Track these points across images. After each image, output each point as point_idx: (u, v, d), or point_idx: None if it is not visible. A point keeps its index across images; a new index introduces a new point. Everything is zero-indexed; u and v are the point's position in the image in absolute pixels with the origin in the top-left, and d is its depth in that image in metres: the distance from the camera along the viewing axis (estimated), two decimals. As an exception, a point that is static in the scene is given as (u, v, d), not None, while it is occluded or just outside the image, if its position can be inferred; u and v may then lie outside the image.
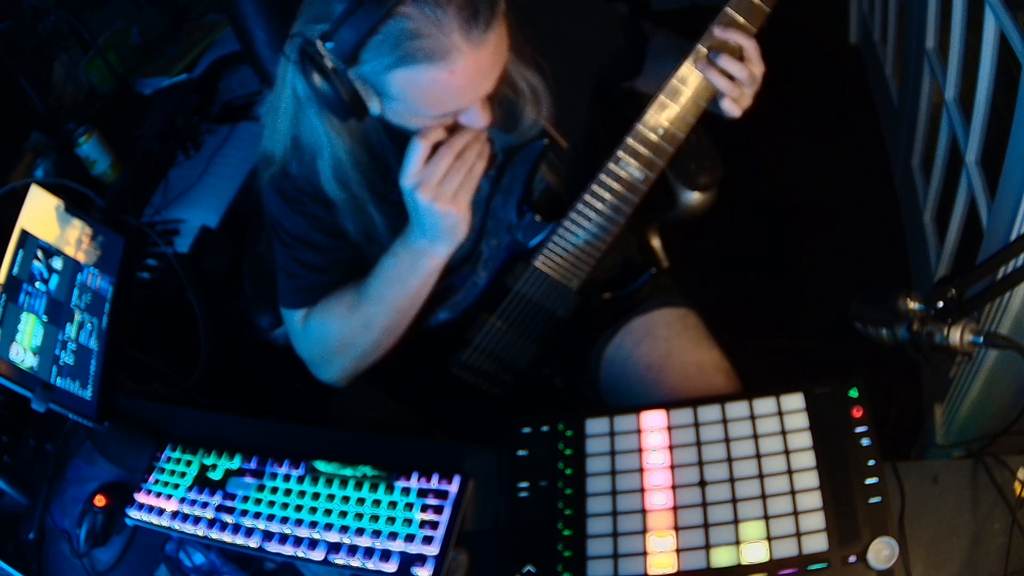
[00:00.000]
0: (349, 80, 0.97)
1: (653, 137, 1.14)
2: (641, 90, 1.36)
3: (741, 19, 1.07)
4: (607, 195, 1.18)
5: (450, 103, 1.00)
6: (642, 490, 1.02)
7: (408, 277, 1.18)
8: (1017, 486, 0.96)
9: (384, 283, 1.19)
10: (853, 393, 1.02)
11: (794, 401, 1.03)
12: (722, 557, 0.94)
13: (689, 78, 1.11)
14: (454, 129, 1.06)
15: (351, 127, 1.08)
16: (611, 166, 1.17)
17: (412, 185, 1.07)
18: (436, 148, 1.06)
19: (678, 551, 0.96)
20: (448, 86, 0.96)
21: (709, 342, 1.34)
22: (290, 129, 1.10)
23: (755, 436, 1.02)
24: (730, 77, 1.09)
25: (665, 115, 1.14)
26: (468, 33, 0.93)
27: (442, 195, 1.07)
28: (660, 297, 1.39)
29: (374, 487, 1.11)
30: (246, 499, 1.15)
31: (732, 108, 1.11)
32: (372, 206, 1.16)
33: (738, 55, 1.09)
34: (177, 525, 1.15)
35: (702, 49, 1.10)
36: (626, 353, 1.35)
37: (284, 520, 1.11)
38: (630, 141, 1.15)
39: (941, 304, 0.90)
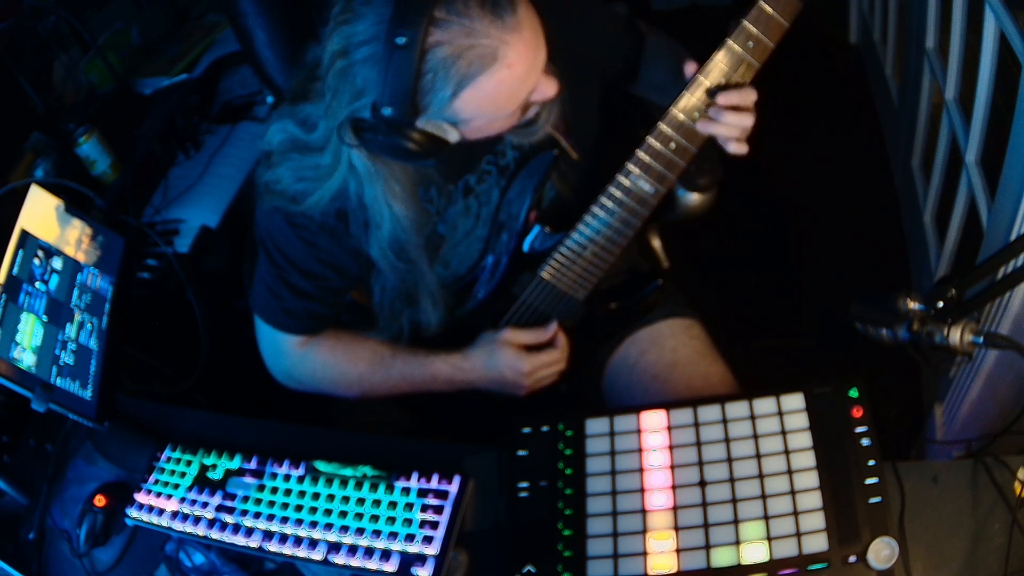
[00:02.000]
0: (420, 130, 0.96)
1: (665, 151, 1.10)
2: (635, 93, 1.34)
3: (758, 32, 1.02)
4: (617, 208, 1.15)
5: (521, 92, 0.99)
6: (642, 490, 1.02)
7: (430, 387, 1.27)
8: (1017, 486, 0.96)
9: (405, 382, 1.27)
10: (853, 393, 1.02)
11: (794, 401, 1.03)
12: (722, 557, 0.95)
13: (702, 93, 1.06)
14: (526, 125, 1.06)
15: (411, 187, 1.08)
16: (621, 179, 1.13)
17: (525, 372, 1.23)
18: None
19: (678, 551, 0.96)
20: (513, 80, 0.95)
21: (714, 354, 1.34)
22: (340, 196, 1.08)
23: (755, 436, 1.02)
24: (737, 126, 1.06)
25: (679, 129, 1.08)
26: (502, 23, 0.91)
27: (535, 383, 1.27)
28: (666, 307, 1.38)
29: (374, 487, 1.11)
30: (246, 499, 1.15)
31: (740, 148, 1.09)
32: (427, 264, 1.18)
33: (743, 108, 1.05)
34: (177, 525, 1.15)
35: (712, 76, 1.05)
36: (632, 362, 1.35)
37: (284, 520, 1.11)
38: (641, 155, 1.11)
39: (941, 304, 0.90)
